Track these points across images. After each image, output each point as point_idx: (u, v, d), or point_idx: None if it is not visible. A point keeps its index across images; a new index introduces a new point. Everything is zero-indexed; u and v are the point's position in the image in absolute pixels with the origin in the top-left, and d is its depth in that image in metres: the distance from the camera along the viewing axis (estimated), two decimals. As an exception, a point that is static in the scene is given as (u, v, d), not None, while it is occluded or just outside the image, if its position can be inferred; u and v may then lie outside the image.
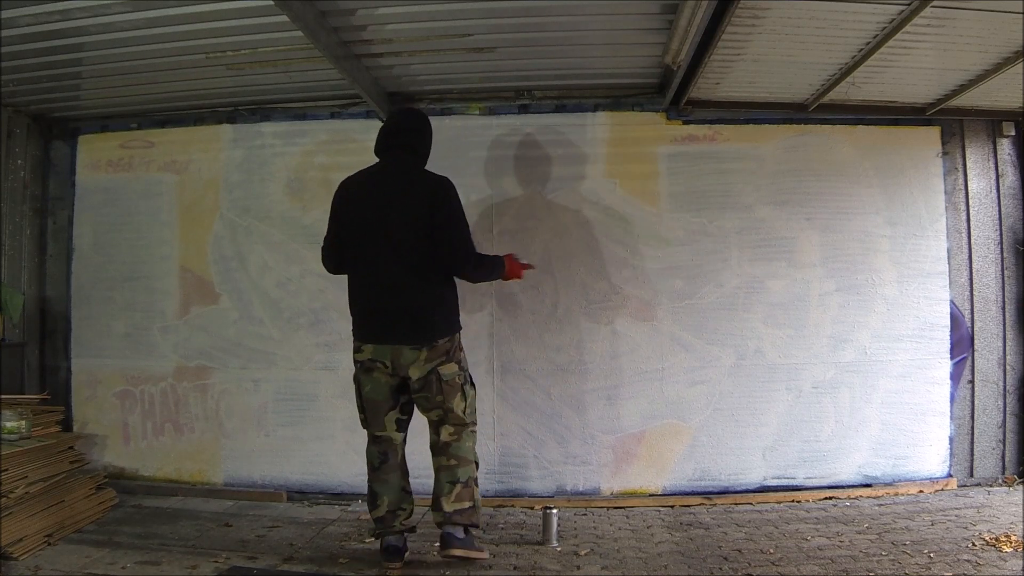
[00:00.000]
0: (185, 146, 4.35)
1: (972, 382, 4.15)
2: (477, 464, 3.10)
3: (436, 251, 2.95)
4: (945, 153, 4.19)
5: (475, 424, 3.12)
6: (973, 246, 4.17)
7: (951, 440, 4.12)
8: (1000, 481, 4.12)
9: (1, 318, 4.05)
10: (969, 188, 4.19)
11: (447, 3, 3.13)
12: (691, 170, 4.13)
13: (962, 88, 3.73)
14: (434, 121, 3.26)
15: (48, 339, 4.42)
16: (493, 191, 4.15)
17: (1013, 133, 4.22)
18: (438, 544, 3.03)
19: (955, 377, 4.14)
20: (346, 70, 3.51)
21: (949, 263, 4.15)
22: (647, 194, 4.12)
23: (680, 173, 4.13)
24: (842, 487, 4.02)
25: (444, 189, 3.00)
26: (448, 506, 2.97)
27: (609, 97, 4.15)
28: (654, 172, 4.13)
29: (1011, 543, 3.10)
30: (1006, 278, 4.18)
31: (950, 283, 4.14)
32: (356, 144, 4.13)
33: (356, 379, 3.08)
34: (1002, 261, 4.19)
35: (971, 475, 4.13)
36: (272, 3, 2.86)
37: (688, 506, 3.91)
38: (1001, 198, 4.21)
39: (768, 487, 4.03)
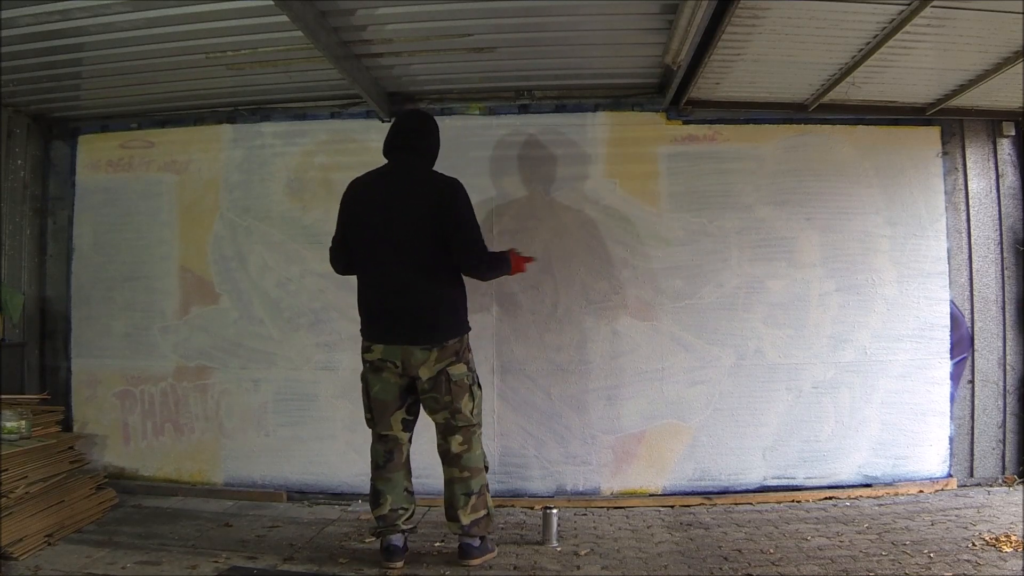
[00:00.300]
0: (185, 146, 4.35)
1: (972, 382, 4.15)
2: (487, 467, 3.12)
3: (448, 252, 2.95)
4: (945, 153, 4.19)
5: (480, 425, 3.12)
6: (973, 246, 4.17)
7: (951, 440, 4.12)
8: (1000, 481, 4.12)
9: (1, 318, 4.05)
10: (969, 188, 4.19)
11: (447, 3, 3.13)
12: (691, 170, 4.13)
13: (962, 88, 3.72)
14: (433, 121, 3.26)
15: (48, 339, 4.42)
16: (493, 191, 4.15)
17: (1013, 133, 4.22)
18: (437, 543, 3.02)
19: (955, 377, 4.14)
20: (346, 70, 3.51)
21: (949, 263, 4.15)
22: (647, 194, 4.12)
23: (680, 173, 4.13)
24: (842, 487, 4.02)
25: (453, 190, 3.00)
26: (465, 519, 2.98)
27: (609, 97, 4.14)
28: (654, 172, 4.13)
29: (1011, 543, 3.10)
30: (1006, 278, 4.18)
31: (950, 283, 4.14)
32: (356, 144, 4.15)
33: (364, 378, 3.08)
34: (1002, 261, 4.19)
35: (971, 475, 4.13)
36: (272, 3, 2.86)
37: (688, 506, 3.91)
38: (1001, 198, 4.21)
39: (768, 487, 4.03)
